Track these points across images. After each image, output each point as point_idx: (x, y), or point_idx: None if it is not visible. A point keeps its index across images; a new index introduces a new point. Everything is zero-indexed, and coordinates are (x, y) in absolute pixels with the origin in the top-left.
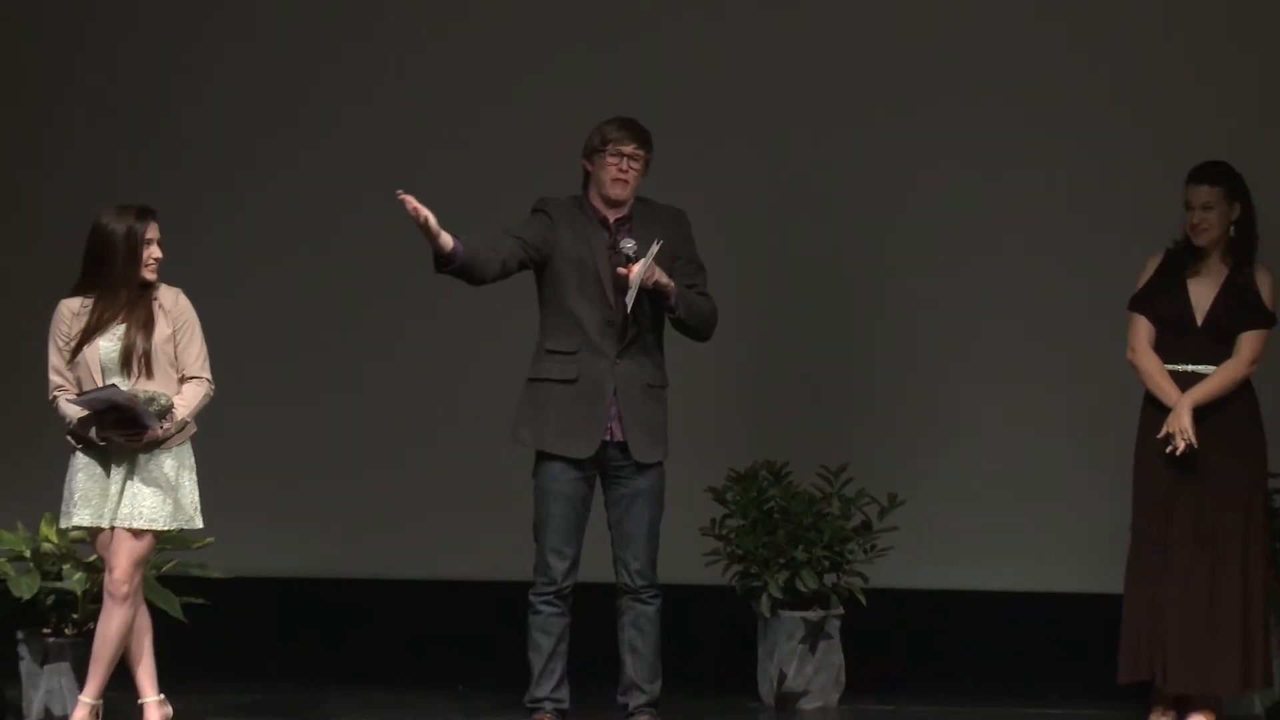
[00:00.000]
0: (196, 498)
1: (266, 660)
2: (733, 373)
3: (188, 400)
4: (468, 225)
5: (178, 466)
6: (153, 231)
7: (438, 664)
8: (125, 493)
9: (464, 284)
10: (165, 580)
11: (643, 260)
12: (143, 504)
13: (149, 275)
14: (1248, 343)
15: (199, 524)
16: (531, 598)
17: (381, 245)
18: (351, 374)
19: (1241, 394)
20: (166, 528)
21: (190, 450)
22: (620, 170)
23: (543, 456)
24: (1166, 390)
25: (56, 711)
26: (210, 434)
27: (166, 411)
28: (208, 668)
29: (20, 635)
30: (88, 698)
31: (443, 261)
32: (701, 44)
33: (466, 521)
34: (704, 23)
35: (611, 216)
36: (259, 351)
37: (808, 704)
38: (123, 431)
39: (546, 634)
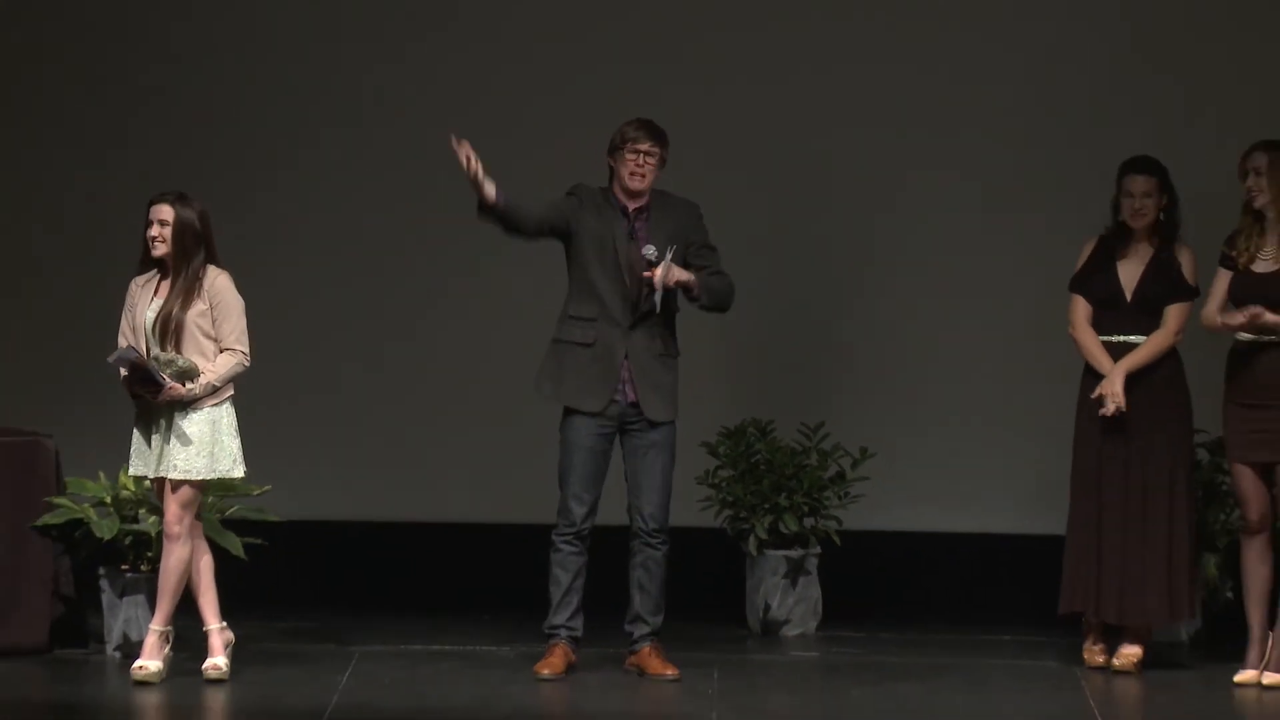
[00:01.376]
0: (236, 449)
1: (316, 593)
2: (726, 343)
3: (218, 368)
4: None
5: (213, 423)
6: (153, 212)
7: (468, 597)
8: (165, 447)
9: (487, 254)
10: (228, 523)
11: (663, 264)
12: (177, 458)
13: (154, 251)
14: (1173, 315)
15: (239, 473)
16: (554, 538)
17: (429, 219)
18: (398, 339)
19: (1169, 361)
20: (202, 477)
21: (228, 409)
22: (637, 165)
23: (567, 412)
24: (1101, 360)
25: (133, 637)
26: (275, 395)
27: (187, 374)
28: (265, 600)
29: (102, 571)
30: (157, 625)
31: (485, 208)
32: (709, 53)
33: (497, 470)
34: (711, 34)
35: (631, 206)
36: (321, 321)
37: (789, 631)
38: (145, 388)
39: (565, 570)
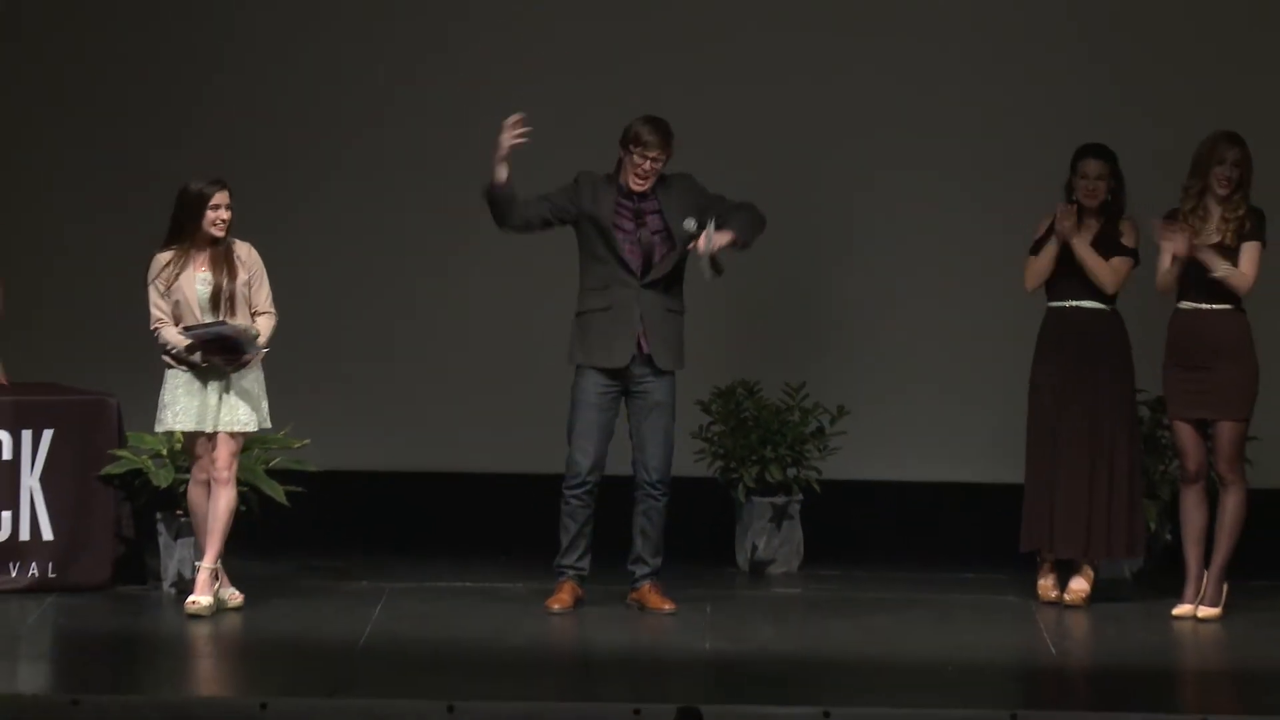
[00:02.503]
0: (266, 404)
1: (350, 536)
2: (718, 310)
3: (264, 331)
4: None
5: (256, 381)
6: (220, 198)
7: (486, 540)
8: (223, 404)
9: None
10: (272, 473)
11: (705, 234)
12: (239, 413)
13: (216, 233)
14: (1115, 264)
15: (269, 425)
16: (563, 490)
17: (451, 200)
18: (424, 310)
19: (1115, 327)
20: (255, 429)
21: (261, 367)
22: (643, 170)
23: (579, 371)
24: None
25: (186, 574)
26: (314, 359)
27: (254, 340)
28: (303, 542)
29: (159, 516)
30: (207, 563)
31: (490, 190)
32: (707, 53)
33: (513, 426)
34: (708, 34)
35: (635, 189)
36: (357, 294)
37: (774, 570)
38: (225, 357)
39: (573, 519)
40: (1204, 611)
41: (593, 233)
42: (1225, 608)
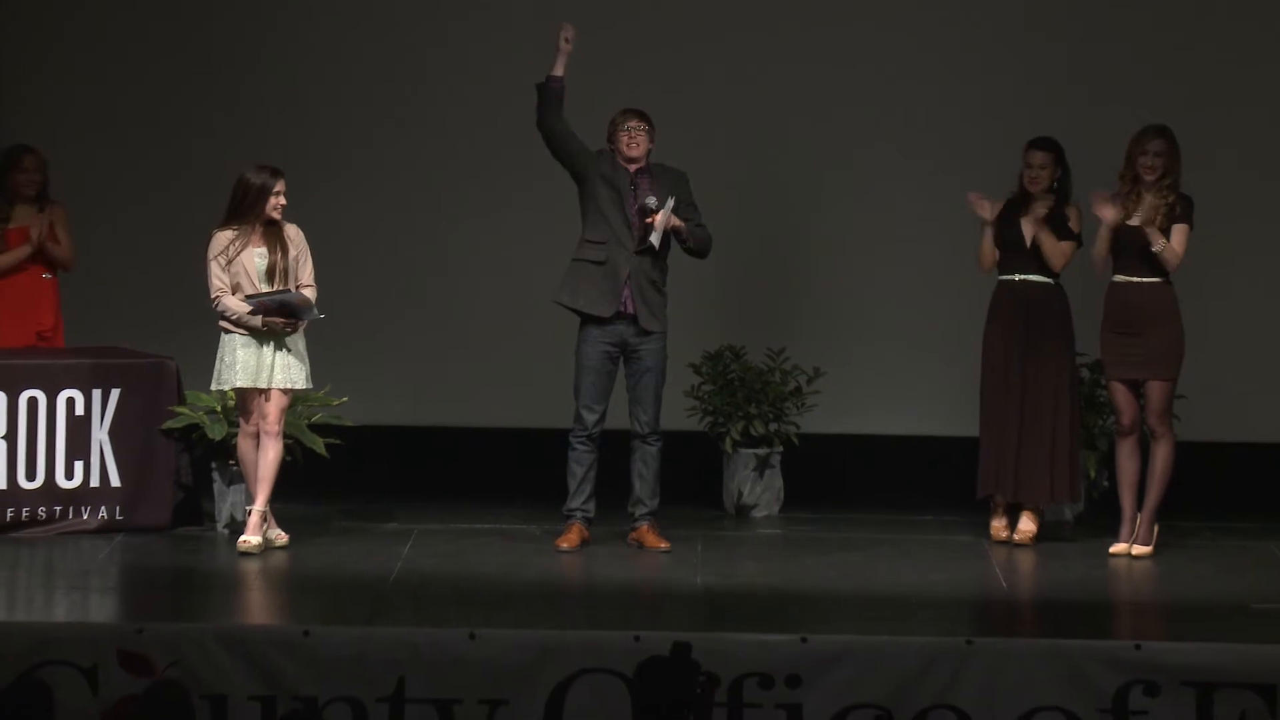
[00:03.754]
0: (308, 366)
1: (382, 484)
2: (707, 282)
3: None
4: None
5: (303, 344)
6: (279, 186)
7: (503, 487)
8: (276, 364)
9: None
10: (313, 427)
11: (663, 210)
12: (291, 372)
13: (275, 215)
14: (1060, 248)
15: (312, 385)
16: (570, 439)
17: (478, 184)
18: (446, 277)
19: (1057, 298)
20: (304, 387)
21: (303, 334)
22: (630, 137)
23: (582, 328)
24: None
25: (237, 517)
26: (348, 326)
27: (310, 308)
28: (340, 488)
29: (213, 465)
30: (257, 506)
31: (544, 82)
32: (693, 45)
33: (526, 383)
34: (697, 27)
35: (632, 169)
36: (388, 264)
37: (757, 513)
38: (285, 320)
39: (580, 465)
40: (1137, 550)
41: (604, 192)
42: (1156, 546)
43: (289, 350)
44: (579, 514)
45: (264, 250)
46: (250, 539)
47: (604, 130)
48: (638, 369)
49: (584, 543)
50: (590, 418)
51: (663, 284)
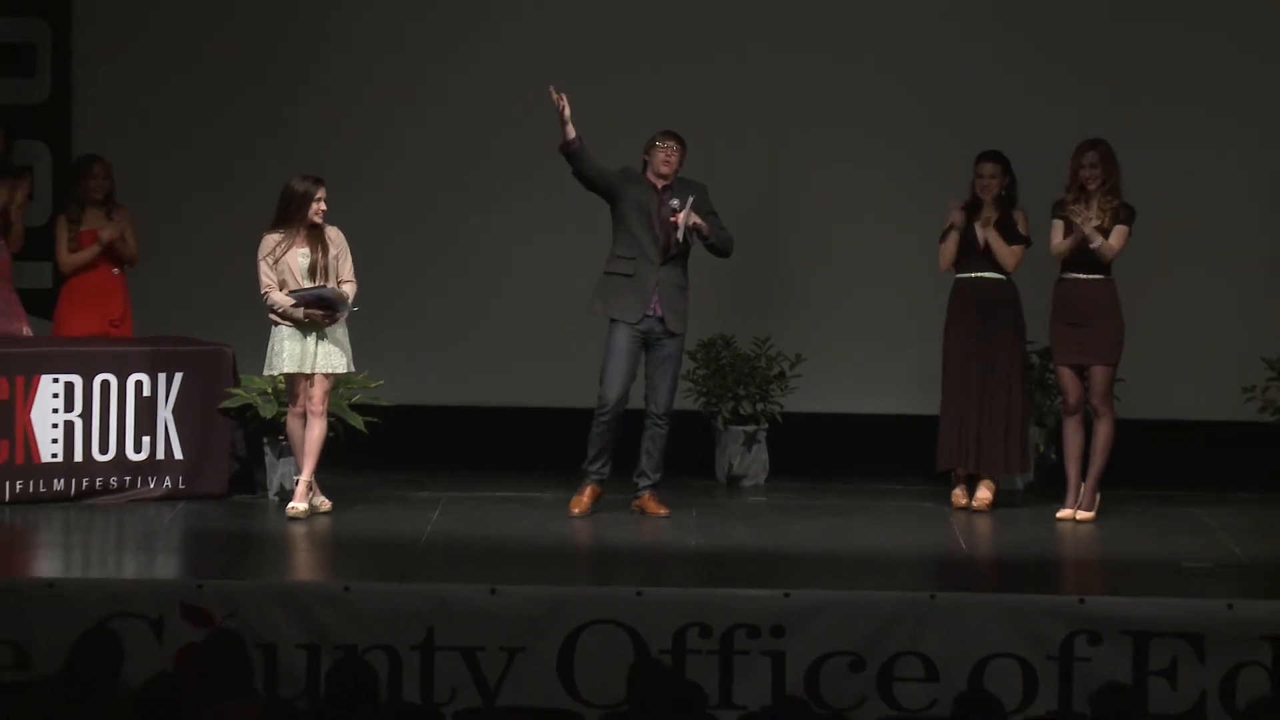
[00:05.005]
0: (351, 352)
1: (414, 457)
2: (703, 280)
3: (350, 297)
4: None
5: (344, 333)
6: (320, 193)
7: (523, 460)
8: (319, 350)
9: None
10: (354, 407)
11: (684, 209)
12: (333, 358)
13: (317, 220)
14: (1012, 252)
15: (354, 369)
16: (595, 416)
17: (504, 180)
18: (478, 270)
19: (1009, 292)
20: (345, 371)
21: (345, 323)
22: (665, 156)
23: (611, 326)
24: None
25: (286, 486)
26: (387, 315)
27: (345, 301)
28: (377, 461)
29: (265, 440)
30: (305, 476)
31: (564, 146)
32: (694, 61)
33: (548, 367)
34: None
35: (660, 185)
36: (424, 258)
37: (746, 483)
38: (324, 313)
39: (601, 438)
40: (1081, 515)
41: (632, 213)
42: (1098, 512)
43: (331, 339)
44: (593, 475)
45: (307, 250)
46: (298, 505)
47: (600, 135)
48: (658, 358)
49: (597, 500)
50: (612, 398)
51: (686, 287)
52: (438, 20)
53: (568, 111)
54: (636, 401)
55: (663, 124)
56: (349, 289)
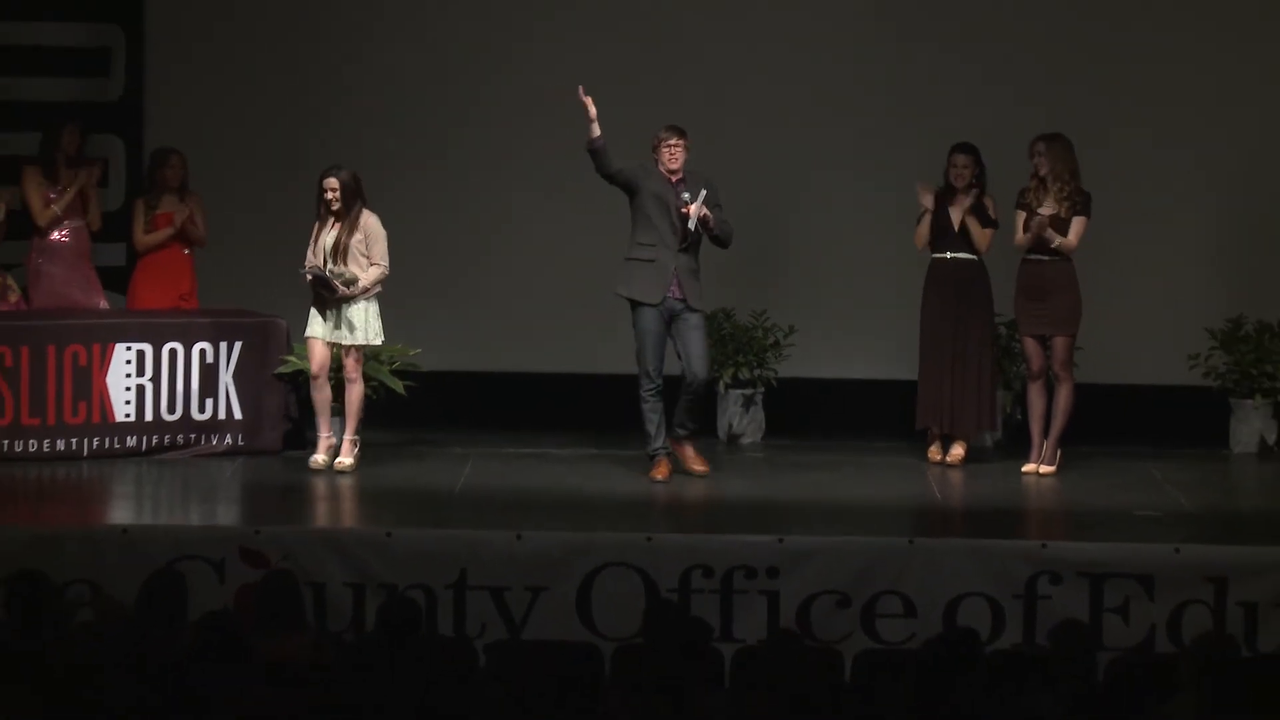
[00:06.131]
0: (379, 326)
1: (449, 416)
2: (705, 260)
3: (368, 277)
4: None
5: (365, 309)
6: (327, 183)
7: (544, 420)
8: (341, 324)
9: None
10: (394, 372)
11: (696, 202)
12: (345, 331)
13: (333, 204)
14: (984, 235)
15: (378, 342)
16: (641, 393)
17: (528, 167)
18: (513, 249)
19: (980, 269)
20: (358, 343)
21: (375, 300)
22: (670, 152)
23: (635, 308)
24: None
25: (336, 440)
26: (425, 287)
27: (349, 281)
28: (414, 420)
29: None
30: (350, 434)
31: (589, 144)
32: (704, 66)
33: (573, 336)
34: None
35: (673, 178)
36: (460, 239)
37: (744, 440)
38: (325, 289)
39: (654, 412)
40: (1044, 469)
41: (651, 204)
42: (1059, 466)
43: (349, 314)
44: (661, 451)
45: (335, 233)
46: (344, 460)
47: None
48: (685, 328)
49: (672, 473)
50: (652, 371)
51: (699, 271)
52: (472, 23)
53: (594, 112)
54: (672, 367)
55: (665, 117)
56: (373, 272)
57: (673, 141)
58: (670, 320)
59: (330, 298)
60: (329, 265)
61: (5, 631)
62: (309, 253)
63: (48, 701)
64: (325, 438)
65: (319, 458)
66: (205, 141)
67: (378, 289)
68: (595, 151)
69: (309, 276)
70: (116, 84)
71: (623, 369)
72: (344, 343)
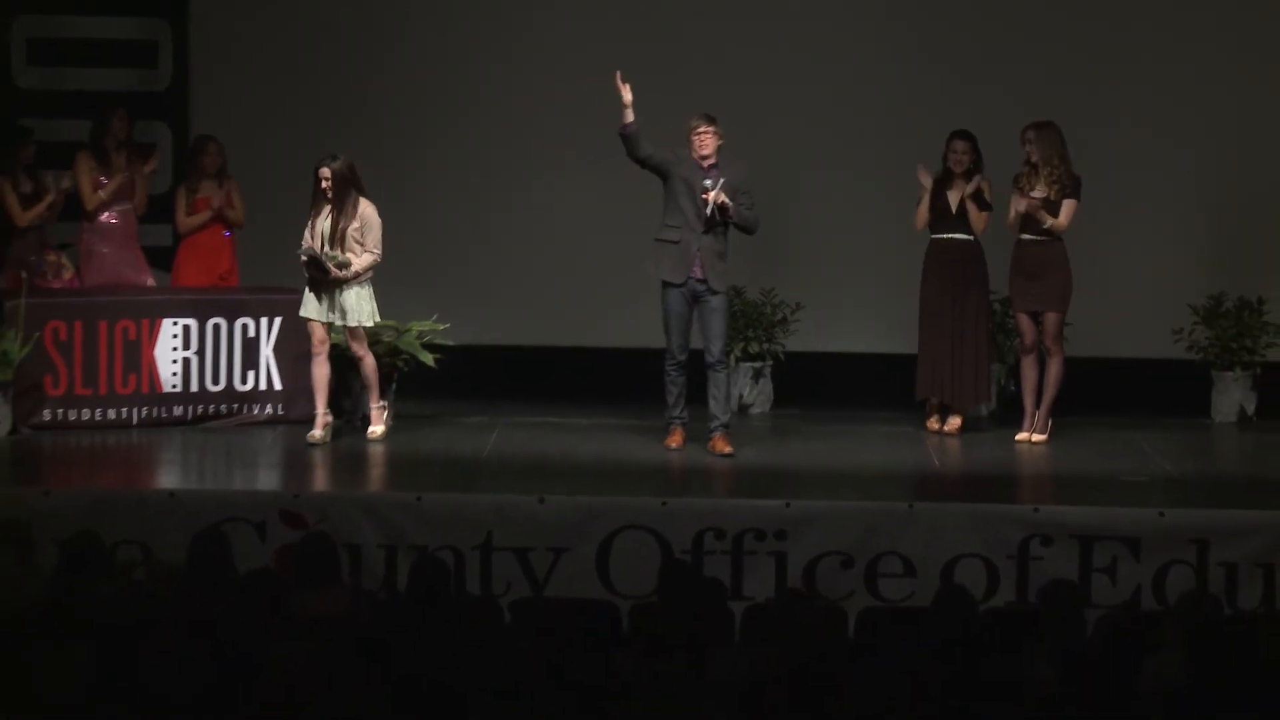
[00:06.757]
0: (374, 308)
1: (475, 388)
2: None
3: (360, 263)
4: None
5: (358, 293)
6: (321, 173)
7: (566, 392)
8: (333, 305)
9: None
10: (425, 346)
11: (715, 189)
12: (339, 315)
13: (328, 192)
14: (981, 218)
15: (369, 323)
16: (666, 367)
17: (550, 138)
18: (541, 229)
19: (976, 249)
20: (351, 325)
21: (368, 284)
22: (701, 140)
23: (663, 288)
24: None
25: (366, 412)
26: (456, 267)
27: (342, 265)
28: (441, 391)
29: (348, 373)
30: (375, 404)
31: (623, 129)
32: (723, 58)
33: (596, 312)
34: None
35: (705, 163)
36: (485, 219)
37: (754, 410)
38: (318, 271)
39: (675, 385)
40: (1036, 438)
41: (679, 188)
42: (1050, 435)
43: (342, 296)
44: (677, 420)
45: (330, 218)
46: (376, 429)
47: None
48: (706, 310)
49: (686, 442)
50: (676, 347)
51: (725, 253)
52: (497, 7)
53: (629, 98)
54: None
55: (683, 106)
56: (366, 259)
57: (702, 129)
58: (694, 300)
59: (323, 279)
60: (324, 249)
61: (62, 589)
62: (305, 235)
63: (102, 656)
64: (321, 414)
65: (316, 433)
66: (246, 128)
67: (369, 274)
68: (628, 136)
69: (304, 258)
70: (164, 74)
71: (640, 343)
72: (337, 324)
